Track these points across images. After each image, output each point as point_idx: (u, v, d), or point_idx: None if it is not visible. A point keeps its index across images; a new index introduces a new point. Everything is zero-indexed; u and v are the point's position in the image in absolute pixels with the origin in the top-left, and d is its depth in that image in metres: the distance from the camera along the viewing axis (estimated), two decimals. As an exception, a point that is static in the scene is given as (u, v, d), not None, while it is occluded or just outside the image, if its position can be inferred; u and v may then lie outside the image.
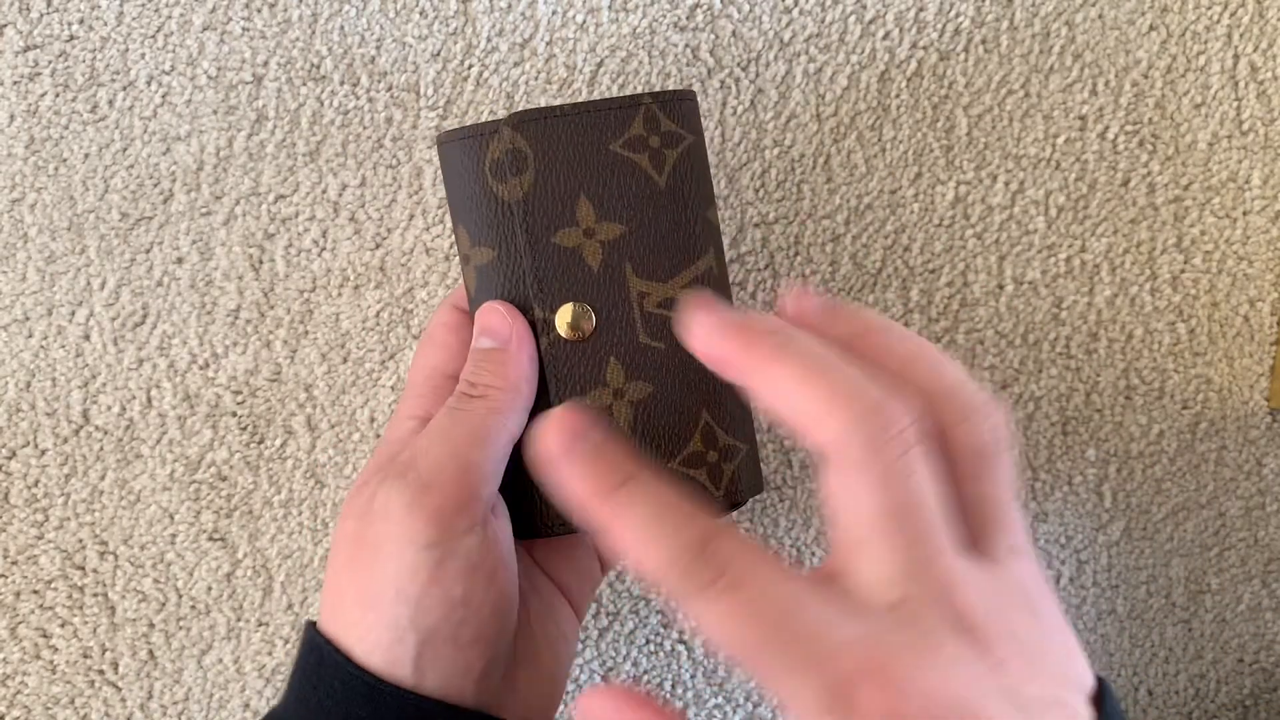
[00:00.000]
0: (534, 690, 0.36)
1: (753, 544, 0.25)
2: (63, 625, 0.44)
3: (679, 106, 0.36)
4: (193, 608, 0.45)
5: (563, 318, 0.35)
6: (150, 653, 0.45)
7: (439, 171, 0.43)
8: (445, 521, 0.32)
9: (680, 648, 0.47)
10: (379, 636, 0.32)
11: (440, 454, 0.33)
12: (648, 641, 0.47)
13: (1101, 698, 0.27)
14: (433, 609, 0.32)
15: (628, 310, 0.35)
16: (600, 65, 0.43)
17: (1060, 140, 0.45)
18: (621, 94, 0.44)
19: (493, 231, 0.35)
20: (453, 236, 0.44)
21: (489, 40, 0.43)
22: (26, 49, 0.42)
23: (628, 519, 0.26)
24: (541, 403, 0.35)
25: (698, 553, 0.25)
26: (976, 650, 0.25)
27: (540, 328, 0.35)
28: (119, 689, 0.45)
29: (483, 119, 0.43)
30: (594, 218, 0.35)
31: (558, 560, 0.39)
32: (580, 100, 0.38)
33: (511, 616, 0.34)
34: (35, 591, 0.44)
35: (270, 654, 0.45)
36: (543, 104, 0.43)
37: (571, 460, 0.26)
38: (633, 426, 0.35)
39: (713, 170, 0.44)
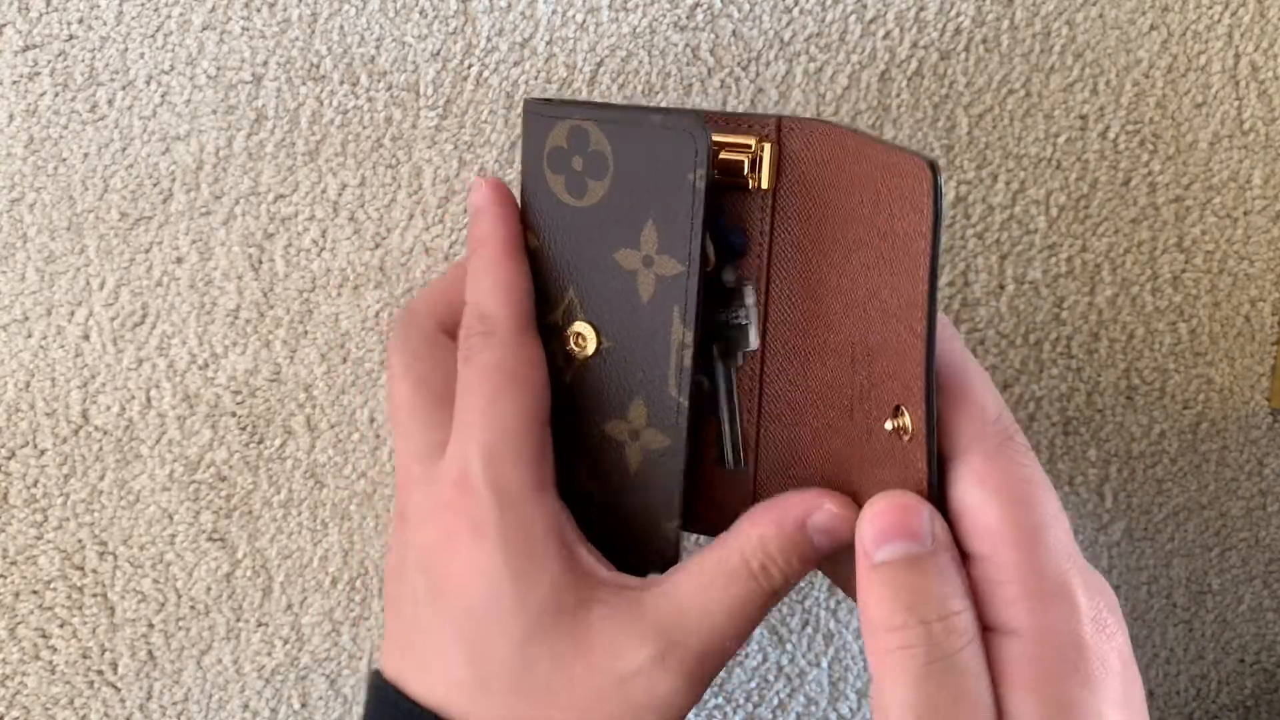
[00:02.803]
0: None
1: None
2: (62, 626, 0.44)
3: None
4: (192, 608, 0.45)
5: (578, 333, 0.34)
6: (149, 653, 0.45)
7: (438, 171, 0.43)
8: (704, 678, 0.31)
9: (680, 648, 0.47)
10: None
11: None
12: (648, 642, 0.46)
13: None
14: None
15: (664, 357, 0.33)
16: (600, 65, 0.43)
17: (1061, 140, 0.45)
18: (624, 96, 0.44)
19: (543, 221, 0.34)
20: (455, 235, 0.44)
21: (489, 40, 0.43)
22: (26, 48, 0.42)
23: None
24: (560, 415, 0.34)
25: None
26: None
27: (561, 338, 0.34)
28: (118, 689, 0.45)
29: (483, 119, 0.43)
30: (656, 247, 0.33)
31: None
32: (652, 109, 0.35)
33: None
34: (34, 592, 0.44)
35: (270, 654, 0.45)
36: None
37: None
38: (638, 472, 0.34)
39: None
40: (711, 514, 0.36)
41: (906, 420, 0.28)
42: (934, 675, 0.25)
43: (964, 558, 0.27)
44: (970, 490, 0.27)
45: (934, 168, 0.26)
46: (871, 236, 0.30)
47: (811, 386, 0.34)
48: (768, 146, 0.33)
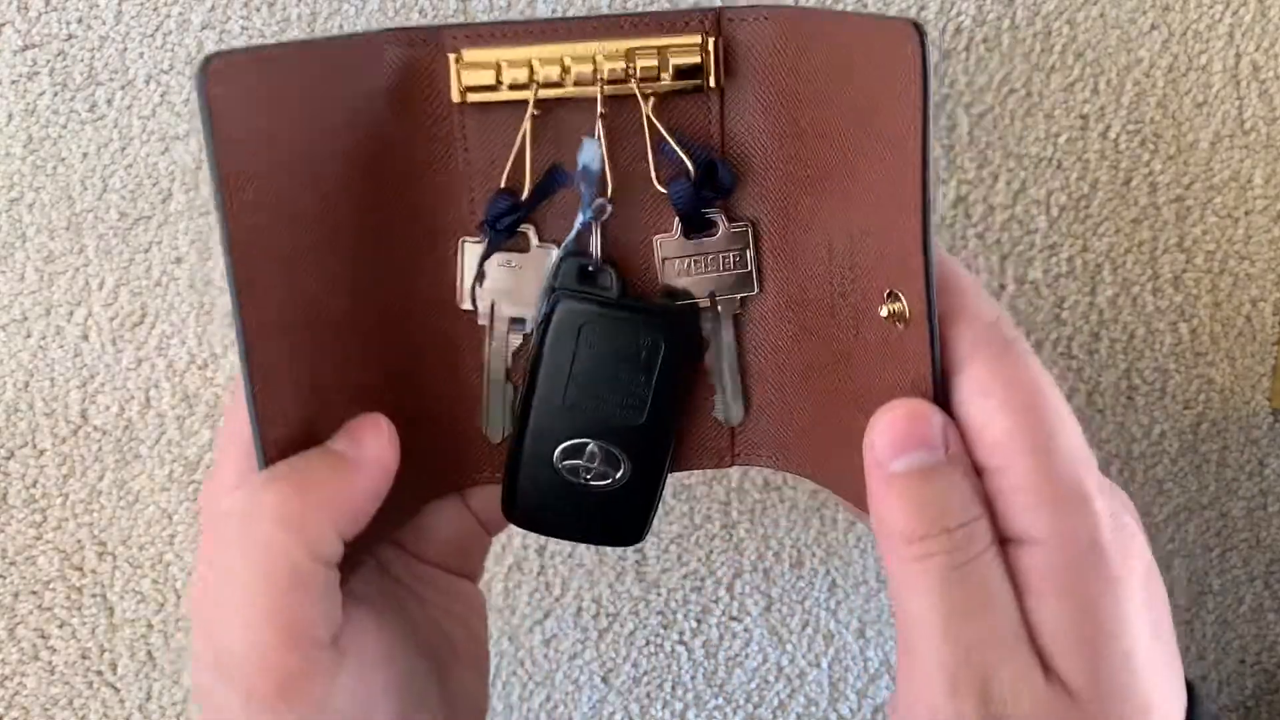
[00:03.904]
0: (466, 680, 0.33)
1: None
2: (61, 626, 0.44)
3: None
4: (191, 608, 0.45)
5: None
6: (149, 653, 0.45)
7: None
8: None
9: (680, 648, 0.47)
10: None
11: None
12: (648, 642, 0.46)
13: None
14: None
15: None
16: (600, 64, 0.43)
17: (1062, 139, 0.45)
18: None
19: None
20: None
21: (488, 39, 0.43)
22: (25, 48, 0.41)
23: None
24: None
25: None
26: None
27: None
28: (117, 690, 0.45)
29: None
30: None
31: (439, 543, 0.34)
32: None
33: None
34: (34, 592, 0.44)
35: (269, 655, 0.45)
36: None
37: None
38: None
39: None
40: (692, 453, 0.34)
41: (903, 304, 0.27)
42: (959, 581, 0.25)
43: (982, 471, 0.26)
44: (974, 402, 0.26)
45: (918, 27, 0.25)
46: (847, 115, 0.28)
47: (785, 293, 0.32)
48: (711, 41, 0.30)
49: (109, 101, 0.42)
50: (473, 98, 0.30)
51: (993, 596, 0.25)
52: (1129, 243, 0.45)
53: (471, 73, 0.30)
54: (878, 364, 0.28)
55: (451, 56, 0.30)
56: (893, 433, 0.26)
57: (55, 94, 0.42)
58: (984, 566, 0.25)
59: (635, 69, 0.30)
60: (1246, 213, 0.46)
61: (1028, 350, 0.26)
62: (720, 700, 0.47)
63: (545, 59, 0.30)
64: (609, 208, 0.32)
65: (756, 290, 0.33)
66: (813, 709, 0.47)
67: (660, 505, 0.33)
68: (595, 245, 0.32)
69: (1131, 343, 0.46)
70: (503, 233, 0.31)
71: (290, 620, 0.26)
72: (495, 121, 0.31)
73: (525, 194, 0.31)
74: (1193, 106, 0.45)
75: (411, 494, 0.32)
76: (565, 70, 0.30)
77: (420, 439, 0.31)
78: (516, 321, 0.33)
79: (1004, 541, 0.26)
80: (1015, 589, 0.26)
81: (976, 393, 0.26)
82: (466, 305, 0.32)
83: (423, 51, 0.30)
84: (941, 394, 0.26)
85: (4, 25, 0.41)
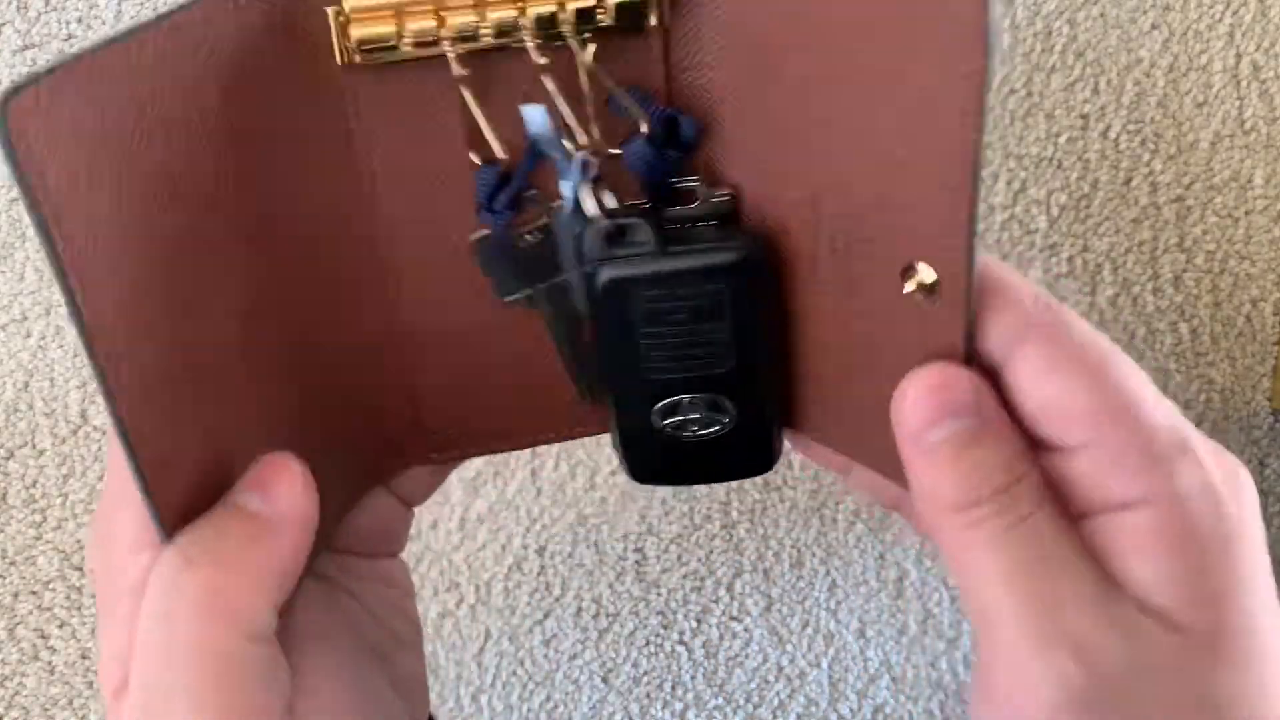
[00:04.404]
0: (409, 664, 0.32)
1: None
2: (61, 626, 0.44)
3: None
4: (191, 608, 0.45)
5: None
6: (149, 654, 0.45)
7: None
8: None
9: (680, 649, 0.47)
10: None
11: None
12: (648, 642, 0.46)
13: None
14: None
15: None
16: (600, 64, 0.43)
17: (1062, 139, 0.45)
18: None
19: None
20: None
21: (488, 39, 0.43)
22: (25, 48, 0.41)
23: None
24: None
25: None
26: None
27: None
28: (117, 690, 0.45)
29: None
30: None
31: (363, 532, 0.32)
32: None
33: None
34: (34, 592, 0.44)
35: (269, 655, 0.45)
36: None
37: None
38: None
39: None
40: None
41: (928, 275, 0.24)
42: (1020, 539, 0.24)
43: (1058, 451, 0.25)
44: (1045, 382, 0.24)
45: None
46: (844, 63, 0.25)
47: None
48: None
49: (109, 101, 0.42)
50: (362, 59, 0.25)
51: (1060, 548, 0.24)
52: (1129, 243, 0.45)
53: (362, 27, 0.25)
54: (888, 326, 0.26)
55: (330, 10, 0.25)
56: (926, 403, 0.25)
57: (55, 94, 0.42)
58: (1043, 521, 0.24)
59: (567, 8, 0.25)
60: (1246, 213, 0.46)
61: (1076, 318, 0.25)
62: (720, 700, 0.47)
63: (455, 5, 0.25)
64: (594, 162, 0.27)
65: None
66: (813, 709, 0.47)
67: (780, 429, 0.31)
68: (605, 202, 0.28)
69: (1132, 343, 0.46)
70: (503, 212, 0.28)
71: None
72: (393, 85, 0.26)
73: (515, 163, 0.27)
74: (1193, 106, 0.45)
75: (343, 497, 0.30)
76: (482, 18, 0.25)
77: (345, 436, 0.29)
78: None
79: (1101, 512, 0.25)
80: (1115, 554, 0.24)
81: (1041, 371, 0.24)
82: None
83: (285, 3, 0.24)
84: (974, 361, 0.25)
85: (4, 25, 0.41)
